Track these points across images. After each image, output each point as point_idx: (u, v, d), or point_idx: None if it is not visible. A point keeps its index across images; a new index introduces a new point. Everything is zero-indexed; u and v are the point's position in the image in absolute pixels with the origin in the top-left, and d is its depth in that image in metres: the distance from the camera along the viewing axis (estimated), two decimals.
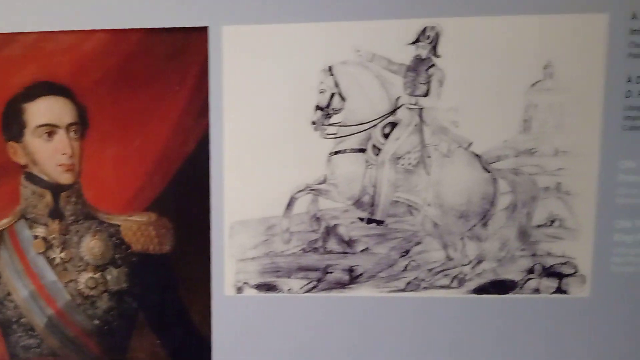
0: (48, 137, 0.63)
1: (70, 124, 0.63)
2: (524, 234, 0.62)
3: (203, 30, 0.61)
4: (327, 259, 0.64)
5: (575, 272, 0.62)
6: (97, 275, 0.65)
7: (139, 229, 0.64)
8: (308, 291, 0.64)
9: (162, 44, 0.61)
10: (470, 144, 0.61)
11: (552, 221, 0.61)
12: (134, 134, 0.62)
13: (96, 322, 0.66)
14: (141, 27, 0.61)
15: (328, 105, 0.62)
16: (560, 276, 0.62)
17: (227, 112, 0.62)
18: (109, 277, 0.65)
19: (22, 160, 0.64)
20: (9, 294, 0.66)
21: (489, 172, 0.61)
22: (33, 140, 0.63)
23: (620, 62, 0.59)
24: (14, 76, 0.63)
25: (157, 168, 0.63)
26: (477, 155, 0.61)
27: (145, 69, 0.61)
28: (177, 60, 0.62)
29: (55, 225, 0.65)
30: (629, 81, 0.60)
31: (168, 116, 0.62)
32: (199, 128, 0.62)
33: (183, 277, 0.65)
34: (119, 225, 0.64)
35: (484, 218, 0.62)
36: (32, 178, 0.64)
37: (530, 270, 0.62)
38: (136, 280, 0.65)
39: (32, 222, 0.65)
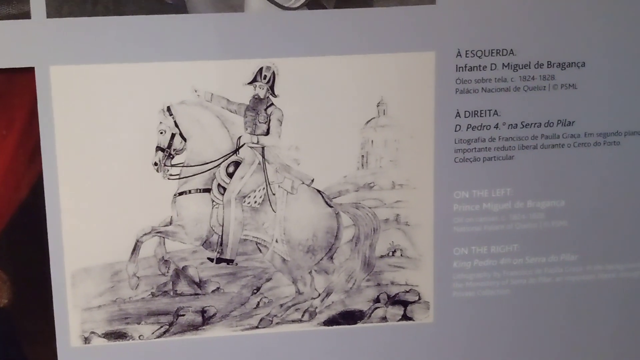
0: None
1: None
2: (368, 265, 0.57)
3: (29, 71, 0.52)
4: (178, 301, 0.56)
5: (419, 299, 0.58)
6: None
7: None
8: (160, 336, 0.56)
9: None
10: (312, 181, 0.56)
11: (394, 251, 0.57)
12: None
13: None
14: None
15: (169, 146, 0.54)
16: (405, 304, 0.58)
17: (60, 155, 0.53)
18: None
19: None
20: None
21: (331, 207, 0.56)
22: None
23: (449, 97, 0.56)
24: None
25: None
26: (319, 191, 0.56)
27: None
28: (2, 103, 0.52)
29: None
30: (458, 116, 0.57)
31: None
32: (31, 173, 0.53)
33: (25, 331, 0.55)
34: None
35: (330, 251, 0.57)
36: None
37: (377, 300, 0.58)
38: None
39: None
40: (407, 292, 0.58)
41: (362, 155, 0.56)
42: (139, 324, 0.56)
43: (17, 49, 0.51)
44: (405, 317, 0.58)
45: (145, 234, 0.55)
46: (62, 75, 0.52)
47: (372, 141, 0.56)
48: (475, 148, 0.57)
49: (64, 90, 0.52)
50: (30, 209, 0.53)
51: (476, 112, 0.57)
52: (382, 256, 0.57)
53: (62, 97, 0.52)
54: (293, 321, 0.57)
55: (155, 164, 0.54)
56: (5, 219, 0.54)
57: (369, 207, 0.56)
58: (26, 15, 0.52)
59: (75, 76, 0.52)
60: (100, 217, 0.54)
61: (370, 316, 0.58)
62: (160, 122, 0.54)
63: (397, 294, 0.58)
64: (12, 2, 0.53)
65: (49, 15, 0.52)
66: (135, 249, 0.55)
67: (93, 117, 0.53)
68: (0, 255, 0.54)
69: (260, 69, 0.54)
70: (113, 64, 0.53)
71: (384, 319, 0.58)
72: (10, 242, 0.54)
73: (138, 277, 0.55)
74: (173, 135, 0.54)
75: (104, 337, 0.55)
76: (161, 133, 0.54)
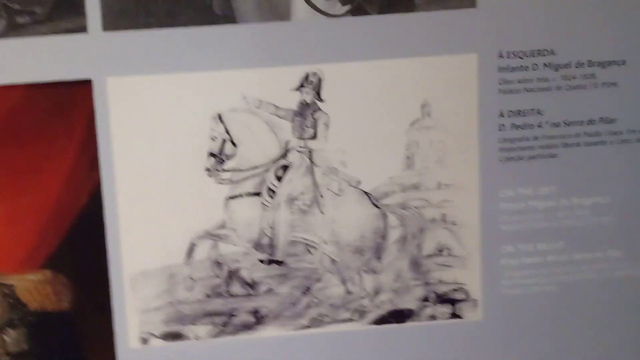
0: None
1: None
2: (416, 265, 0.57)
3: (87, 83, 0.53)
4: (231, 302, 0.57)
5: (467, 298, 0.58)
6: None
7: (35, 287, 0.55)
8: (215, 336, 0.57)
9: (46, 98, 0.53)
10: (359, 182, 0.56)
11: (441, 250, 0.57)
12: (23, 191, 0.54)
13: None
14: (23, 82, 0.52)
15: (220, 152, 0.55)
16: (453, 302, 0.58)
17: (118, 163, 0.54)
18: (7, 339, 0.56)
19: None
20: None
21: (378, 207, 0.57)
22: None
23: (492, 98, 0.56)
24: None
25: (50, 224, 0.54)
26: (366, 193, 0.56)
27: (30, 124, 0.53)
28: (63, 114, 0.54)
29: None
30: (501, 115, 0.57)
31: (58, 171, 0.54)
32: (91, 181, 0.54)
33: (86, 333, 0.56)
34: (13, 285, 0.55)
35: (378, 252, 0.57)
36: None
37: (425, 299, 0.58)
38: (37, 341, 0.56)
39: None
40: (456, 290, 0.58)
41: (408, 157, 0.56)
42: (194, 324, 0.56)
43: (75, 62, 0.53)
44: (454, 316, 0.58)
45: (199, 237, 0.55)
46: (118, 86, 0.54)
47: (417, 142, 0.56)
48: (519, 147, 0.57)
49: (120, 101, 0.54)
50: (90, 215, 0.54)
51: (519, 112, 0.57)
52: (429, 255, 0.57)
53: (118, 107, 0.54)
54: (343, 321, 0.57)
55: (208, 169, 0.55)
56: (66, 225, 0.55)
57: (416, 207, 0.57)
58: (83, 29, 0.53)
59: (131, 87, 0.54)
60: (157, 221, 0.55)
61: (419, 315, 0.58)
62: (212, 129, 0.55)
63: (446, 292, 0.58)
64: (70, 16, 0.54)
65: (105, 29, 0.53)
66: (190, 251, 0.55)
67: (148, 125, 0.54)
68: (62, 259, 0.55)
69: (307, 75, 0.55)
70: (166, 74, 0.54)
71: (433, 317, 0.58)
72: (72, 247, 0.55)
73: (193, 279, 0.56)
74: (224, 141, 0.55)
75: (161, 338, 0.56)
76: (213, 139, 0.55)
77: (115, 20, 0.54)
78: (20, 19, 0.54)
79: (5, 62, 0.53)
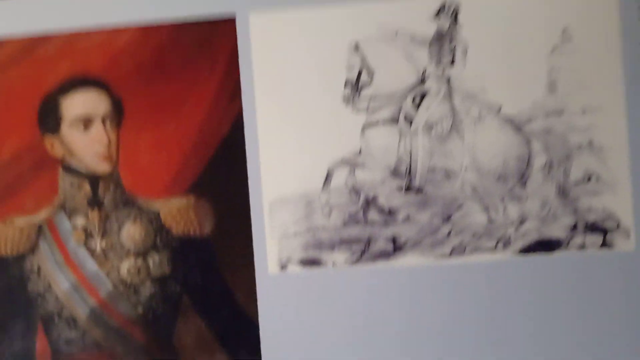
0: (84, 129, 0.56)
1: (106, 114, 0.56)
2: (563, 192, 0.54)
3: (231, 19, 0.55)
4: (369, 229, 0.55)
5: (618, 226, 0.54)
6: (139, 261, 0.56)
7: (179, 212, 0.56)
8: (353, 263, 0.56)
9: (191, 35, 0.55)
10: (500, 108, 0.54)
11: (589, 177, 0.54)
12: (168, 120, 0.55)
13: (140, 309, 0.56)
14: (175, 17, 0.55)
15: (357, 81, 0.55)
16: (604, 231, 0.54)
17: (258, 93, 0.55)
18: (150, 263, 0.56)
19: (59, 152, 0.56)
20: (49, 286, 0.57)
21: (521, 133, 0.54)
22: (70, 132, 0.56)
23: (633, 23, 0.54)
24: (49, 74, 0.56)
25: (194, 152, 0.55)
26: (508, 119, 0.55)
27: (176, 59, 0.55)
28: (206, 49, 0.56)
29: (94, 214, 0.56)
30: None
31: (201, 102, 0.55)
32: (232, 111, 0.55)
33: (225, 258, 0.56)
34: (158, 210, 0.56)
35: (522, 178, 0.54)
36: (69, 169, 0.56)
37: (574, 227, 0.54)
38: (178, 265, 0.56)
39: (72, 213, 0.56)
40: (606, 219, 0.54)
41: (550, 82, 0.54)
42: (332, 251, 0.55)
43: None
44: (605, 245, 0.54)
45: (336, 164, 0.55)
46: (260, 21, 0.55)
47: (559, 67, 0.54)
48: None
49: (262, 35, 0.55)
50: (231, 143, 0.55)
51: None
52: (577, 182, 0.54)
53: (260, 41, 0.55)
54: (487, 250, 0.55)
55: (345, 97, 0.56)
56: (209, 153, 0.55)
57: (560, 133, 0.54)
58: None
59: (272, 21, 0.55)
60: (295, 149, 0.55)
61: (568, 244, 0.54)
62: (349, 59, 0.55)
63: (595, 221, 0.54)
64: None
65: None
66: (327, 178, 0.55)
67: (287, 57, 0.55)
68: (204, 186, 0.56)
69: (444, 4, 0.55)
70: (305, 8, 0.55)
71: (582, 247, 0.54)
72: (214, 175, 0.55)
73: (330, 206, 0.55)
74: (360, 71, 0.56)
75: (299, 264, 0.55)
76: (349, 69, 0.55)
77: None
78: None
79: (153, 1, 0.56)
